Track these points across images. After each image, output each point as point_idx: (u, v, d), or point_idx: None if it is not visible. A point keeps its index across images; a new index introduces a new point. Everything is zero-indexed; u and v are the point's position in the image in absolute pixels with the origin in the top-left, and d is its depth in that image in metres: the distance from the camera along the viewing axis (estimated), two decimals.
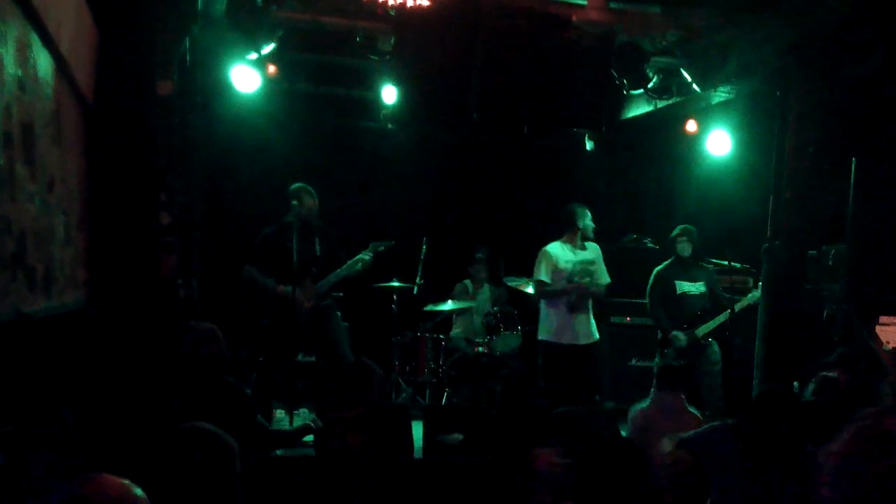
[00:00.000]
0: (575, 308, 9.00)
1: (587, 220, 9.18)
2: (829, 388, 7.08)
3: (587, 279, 9.11)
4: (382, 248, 8.88)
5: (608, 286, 9.30)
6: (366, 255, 8.76)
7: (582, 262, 9.14)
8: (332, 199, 9.28)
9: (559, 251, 9.13)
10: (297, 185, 8.70)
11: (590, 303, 9.19)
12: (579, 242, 9.19)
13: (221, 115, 9.56)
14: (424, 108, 9.99)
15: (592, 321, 9.19)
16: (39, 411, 3.95)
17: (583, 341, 9.08)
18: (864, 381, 7.24)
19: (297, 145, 10.83)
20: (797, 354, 8.49)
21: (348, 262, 8.75)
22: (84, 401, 5.05)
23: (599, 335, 9.36)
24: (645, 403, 6.93)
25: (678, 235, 9.37)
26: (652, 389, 7.05)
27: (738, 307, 8.85)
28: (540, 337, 9.23)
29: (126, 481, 2.67)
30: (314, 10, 8.30)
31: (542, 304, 9.27)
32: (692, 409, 7.09)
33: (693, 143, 10.52)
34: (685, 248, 9.32)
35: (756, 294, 8.97)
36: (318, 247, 8.71)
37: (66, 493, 2.62)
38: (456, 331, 10.80)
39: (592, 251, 9.23)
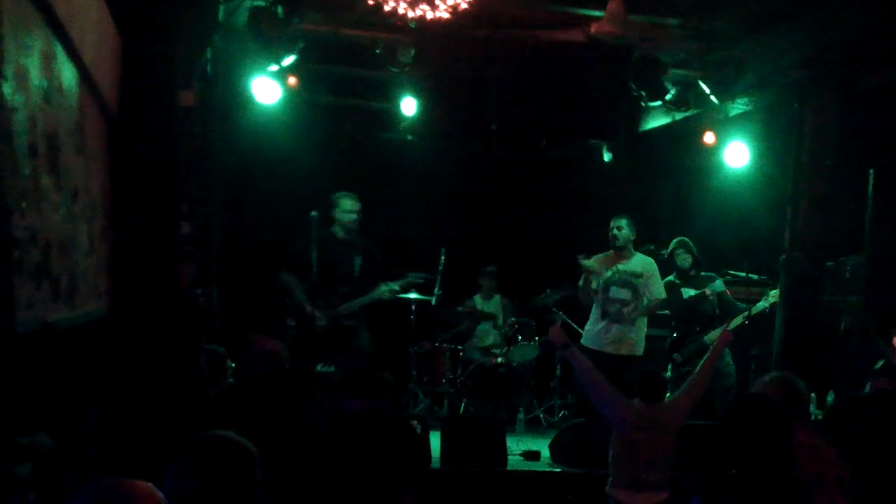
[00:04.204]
0: (606, 315, 8.92)
1: (612, 231, 9.07)
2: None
3: (624, 290, 9.01)
4: (421, 280, 8.90)
5: (661, 301, 9.10)
6: (395, 286, 8.70)
7: (622, 273, 9.01)
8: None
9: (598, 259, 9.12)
10: (339, 192, 8.70)
11: (632, 313, 8.97)
12: (626, 253, 9.10)
13: (242, 126, 9.60)
14: (444, 120, 10.06)
15: (632, 333, 8.98)
16: (63, 419, 4.00)
17: (609, 350, 8.88)
18: None
19: (317, 156, 10.87)
20: (815, 366, 8.49)
21: (378, 290, 8.66)
22: (106, 409, 5.09)
23: None
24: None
25: (675, 248, 9.26)
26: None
27: (755, 310, 8.72)
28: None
29: (149, 485, 2.72)
30: (335, 23, 8.36)
31: None
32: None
33: (711, 155, 10.52)
34: (685, 260, 9.23)
35: (773, 294, 8.85)
36: (357, 267, 8.63)
37: (88, 495, 2.66)
38: (473, 341, 10.81)
39: (640, 264, 9.05)
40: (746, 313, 8.67)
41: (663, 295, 9.08)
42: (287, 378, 5.75)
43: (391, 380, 5.74)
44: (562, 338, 6.96)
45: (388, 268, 8.94)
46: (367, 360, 6.87)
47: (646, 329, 9.12)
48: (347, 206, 8.59)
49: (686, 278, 9.29)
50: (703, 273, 9.41)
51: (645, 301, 8.98)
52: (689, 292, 9.23)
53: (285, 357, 5.55)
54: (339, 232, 8.59)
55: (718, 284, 9.05)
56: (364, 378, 5.52)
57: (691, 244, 9.32)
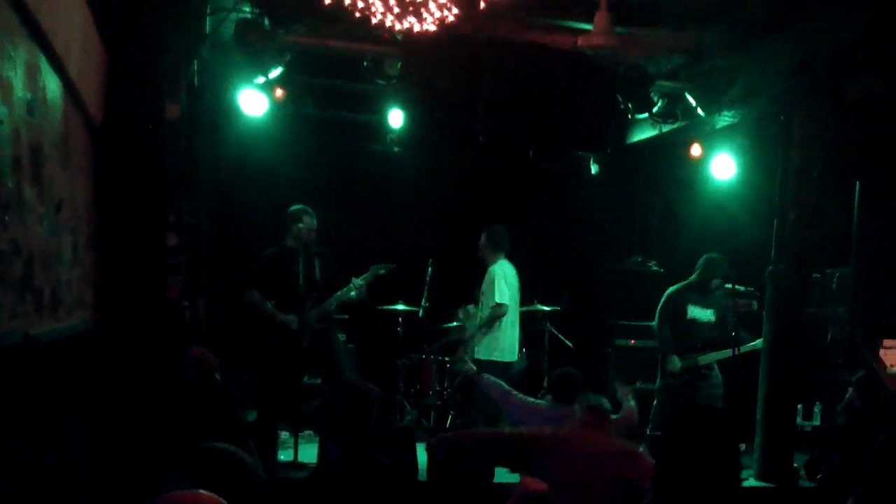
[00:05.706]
0: None
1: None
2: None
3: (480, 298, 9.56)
4: (383, 270, 8.75)
5: (494, 307, 9.25)
6: (359, 281, 8.61)
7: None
8: (337, 221, 9.32)
9: None
10: (296, 206, 8.62)
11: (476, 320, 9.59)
12: (485, 265, 9.53)
13: (229, 138, 9.59)
14: (431, 132, 10.06)
15: (478, 338, 9.44)
16: (47, 435, 3.98)
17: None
18: (880, 406, 7.23)
19: (304, 168, 10.86)
20: (801, 378, 8.51)
21: (342, 290, 8.60)
22: (94, 423, 5.07)
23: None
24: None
25: (714, 274, 9.20)
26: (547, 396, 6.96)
27: (743, 349, 8.76)
28: None
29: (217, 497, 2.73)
30: (322, 35, 8.36)
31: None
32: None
33: (697, 167, 10.55)
34: (716, 283, 9.25)
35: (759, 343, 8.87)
36: (318, 271, 8.60)
37: None
38: (461, 353, 10.81)
39: (487, 275, 9.44)
40: (732, 351, 8.70)
41: (494, 302, 9.22)
42: (217, 386, 5.82)
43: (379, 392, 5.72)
44: (471, 370, 7.70)
45: (353, 268, 8.89)
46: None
47: (500, 333, 9.33)
48: (308, 223, 8.56)
49: (697, 293, 9.25)
50: (721, 291, 9.32)
51: (481, 310, 9.40)
52: (693, 311, 9.18)
53: (215, 366, 5.69)
54: (294, 243, 8.54)
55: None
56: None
57: (727, 267, 9.29)
